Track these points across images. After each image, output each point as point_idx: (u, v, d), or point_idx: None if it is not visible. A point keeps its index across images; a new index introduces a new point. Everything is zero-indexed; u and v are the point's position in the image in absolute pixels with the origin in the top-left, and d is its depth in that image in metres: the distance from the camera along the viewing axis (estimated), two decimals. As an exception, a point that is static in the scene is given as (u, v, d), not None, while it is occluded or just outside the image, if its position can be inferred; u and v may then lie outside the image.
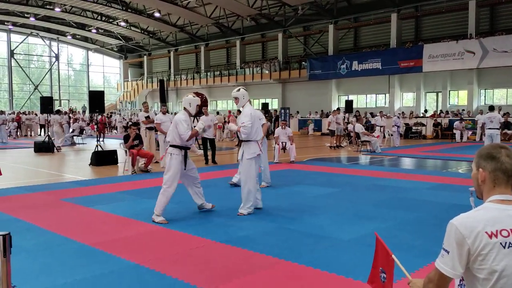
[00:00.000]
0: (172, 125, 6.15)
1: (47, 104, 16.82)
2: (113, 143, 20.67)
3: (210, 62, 40.74)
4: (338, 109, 20.60)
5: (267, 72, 34.06)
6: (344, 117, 20.83)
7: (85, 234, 5.26)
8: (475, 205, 1.84)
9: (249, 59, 37.50)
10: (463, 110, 24.77)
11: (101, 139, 21.60)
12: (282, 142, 12.58)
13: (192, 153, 13.77)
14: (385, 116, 20.00)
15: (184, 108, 6.19)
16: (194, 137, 6.22)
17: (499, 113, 21.61)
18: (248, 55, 37.75)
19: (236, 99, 6.40)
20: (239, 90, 6.44)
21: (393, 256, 2.10)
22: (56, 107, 39.01)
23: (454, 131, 21.72)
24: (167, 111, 12.41)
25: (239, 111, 7.05)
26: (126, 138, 10.86)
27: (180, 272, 4.00)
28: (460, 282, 1.84)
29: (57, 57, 45.17)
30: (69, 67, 48.19)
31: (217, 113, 30.39)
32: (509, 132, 21.01)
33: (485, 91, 25.66)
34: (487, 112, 12.81)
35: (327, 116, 25.41)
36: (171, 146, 6.07)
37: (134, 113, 35.56)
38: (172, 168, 5.99)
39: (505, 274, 1.63)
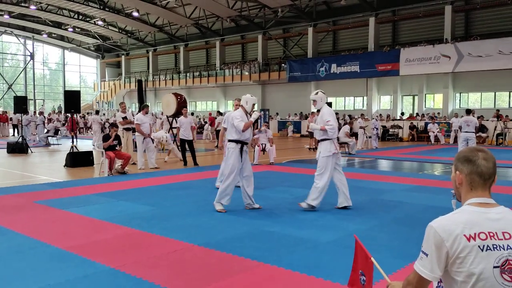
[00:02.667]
0: (228, 122, 6.86)
1: (21, 103, 16.43)
2: (89, 144, 20.32)
3: (189, 63, 40.49)
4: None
5: (247, 73, 34.05)
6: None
7: (59, 238, 5.12)
8: (456, 207, 1.85)
9: (229, 60, 37.43)
10: (439, 113, 25.23)
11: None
12: (262, 144, 12.58)
13: (175, 157, 13.61)
14: (364, 119, 20.30)
15: (241, 106, 6.80)
16: (250, 128, 6.70)
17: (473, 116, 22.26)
18: (228, 57, 37.68)
19: (315, 101, 6.78)
20: (317, 93, 6.80)
21: (372, 259, 2.09)
22: (31, 107, 38.19)
23: (429, 133, 22.11)
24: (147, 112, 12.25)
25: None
26: (106, 138, 10.69)
27: (157, 276, 3.92)
28: (438, 285, 1.84)
29: (32, 56, 44.21)
30: (44, 66, 47.22)
31: (192, 114, 30.12)
32: (483, 135, 21.49)
33: (460, 95, 26.20)
34: (462, 116, 13.02)
35: (307, 118, 25.56)
36: (229, 141, 6.65)
37: (104, 114, 35.06)
38: (230, 160, 6.52)
39: (482, 277, 1.64)
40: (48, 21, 39.42)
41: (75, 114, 14.43)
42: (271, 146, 12.65)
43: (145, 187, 8.88)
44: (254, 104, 6.81)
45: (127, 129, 12.19)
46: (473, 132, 12.43)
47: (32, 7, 34.58)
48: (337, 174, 6.69)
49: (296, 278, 3.89)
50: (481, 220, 1.71)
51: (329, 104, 21.25)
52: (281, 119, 31.07)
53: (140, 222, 5.88)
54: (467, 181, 1.80)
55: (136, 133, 11.77)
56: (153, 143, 12.53)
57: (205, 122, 28.46)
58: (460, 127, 12.84)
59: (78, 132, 25.08)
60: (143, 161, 11.66)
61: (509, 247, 1.67)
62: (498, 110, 22.17)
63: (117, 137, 10.83)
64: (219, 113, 23.65)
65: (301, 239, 5.11)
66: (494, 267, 1.65)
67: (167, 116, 16.31)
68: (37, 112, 26.57)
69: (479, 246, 1.66)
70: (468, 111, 13.04)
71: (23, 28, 41.87)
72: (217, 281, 3.82)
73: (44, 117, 24.47)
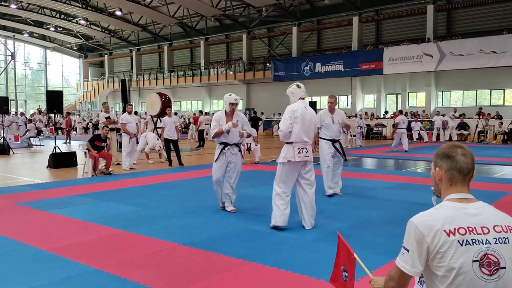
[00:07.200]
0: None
1: (2, 104, 16.16)
2: (72, 144, 20.10)
3: (173, 62, 40.26)
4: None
5: (231, 73, 34.00)
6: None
7: (41, 239, 5.06)
8: (436, 203, 1.88)
9: (214, 59, 37.31)
10: (423, 111, 25.53)
11: (67, 141, 21.02)
12: (247, 143, 12.58)
13: (159, 157, 13.46)
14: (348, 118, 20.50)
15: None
16: (225, 134, 6.44)
17: (454, 112, 22.76)
18: (213, 56, 37.57)
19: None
20: (290, 87, 5.80)
21: (354, 254, 2.12)
22: (13, 108, 37.55)
23: (413, 131, 22.38)
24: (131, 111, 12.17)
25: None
26: (95, 138, 10.58)
27: (142, 276, 3.91)
28: (420, 279, 1.87)
29: (13, 55, 43.43)
30: (26, 66, 46.46)
31: (175, 113, 30.02)
32: (465, 132, 21.85)
33: (442, 93, 26.54)
34: (399, 115, 17.27)
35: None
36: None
37: (81, 114, 34.62)
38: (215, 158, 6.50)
39: (462, 271, 1.67)
40: (30, 21, 38.80)
41: (57, 115, 14.24)
42: (256, 145, 12.67)
43: (130, 187, 8.81)
44: (230, 103, 6.51)
45: (111, 129, 12.08)
46: (406, 128, 16.50)
47: (13, 6, 33.99)
48: (299, 189, 5.55)
49: (281, 276, 3.91)
50: (461, 215, 1.74)
51: (314, 103, 21.40)
52: (266, 118, 31.11)
53: (125, 222, 5.84)
54: (446, 177, 1.83)
55: (122, 133, 11.68)
56: (137, 143, 12.44)
57: (190, 122, 28.37)
58: (397, 124, 16.27)
59: (60, 132, 24.78)
60: (129, 160, 11.56)
61: (487, 242, 1.70)
62: (481, 108, 22.53)
63: (105, 139, 10.76)
64: (204, 113, 23.59)
65: (286, 237, 5.13)
66: (473, 261, 1.68)
67: (151, 116, 16.22)
68: (18, 113, 26.15)
69: (458, 241, 1.69)
70: (401, 112, 18.04)
71: (4, 28, 41.13)
72: (203, 280, 3.81)
73: (26, 117, 24.11)
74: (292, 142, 5.40)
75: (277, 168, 5.53)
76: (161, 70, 40.38)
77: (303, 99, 5.67)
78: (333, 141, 7.59)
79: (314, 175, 5.63)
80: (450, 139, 21.52)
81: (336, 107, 7.87)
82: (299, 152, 5.33)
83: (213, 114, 31.68)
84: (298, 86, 5.70)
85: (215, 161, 6.48)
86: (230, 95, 6.62)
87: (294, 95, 5.65)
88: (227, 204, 6.58)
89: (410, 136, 22.62)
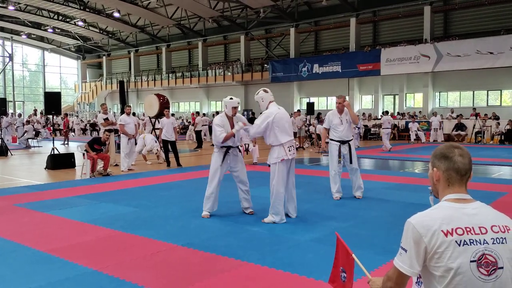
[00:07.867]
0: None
1: (0, 106, 16.14)
2: (70, 145, 20.07)
3: (171, 64, 40.24)
4: (299, 110, 20.93)
5: (229, 74, 34.00)
6: (306, 119, 21.10)
7: (40, 241, 5.06)
8: (434, 203, 1.88)
9: (212, 61, 37.31)
10: (420, 112, 25.58)
11: (65, 143, 21.06)
12: (245, 144, 12.59)
13: (157, 158, 13.48)
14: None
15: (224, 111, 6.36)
16: (232, 138, 6.19)
17: (452, 113, 22.81)
18: (211, 57, 37.56)
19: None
20: (258, 93, 6.03)
21: (353, 255, 2.12)
22: (10, 109, 37.45)
23: (410, 132, 22.44)
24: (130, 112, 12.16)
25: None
26: (95, 141, 10.56)
27: (141, 277, 3.91)
28: (417, 280, 1.88)
29: (11, 57, 43.28)
30: (24, 68, 46.36)
31: (173, 115, 30.02)
32: (462, 133, 21.90)
33: (439, 94, 26.60)
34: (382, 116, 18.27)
35: (290, 117, 25.60)
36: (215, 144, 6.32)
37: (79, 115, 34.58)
38: (211, 165, 6.23)
39: (460, 271, 1.67)
40: (27, 22, 38.74)
41: (55, 116, 14.22)
42: (254, 146, 12.67)
43: (128, 188, 8.81)
44: (232, 107, 6.23)
45: (109, 131, 12.07)
46: (389, 128, 17.35)
47: (11, 7, 33.93)
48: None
49: (279, 276, 3.92)
50: (458, 216, 1.74)
51: (312, 104, 21.43)
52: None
53: (123, 223, 5.84)
54: (444, 177, 1.84)
55: (121, 135, 11.68)
56: (135, 144, 12.43)
57: (189, 123, 28.36)
58: (380, 125, 17.16)
59: (59, 133, 24.74)
60: (127, 161, 11.55)
61: (485, 242, 1.70)
62: (474, 109, 22.56)
63: (104, 143, 10.75)
64: (202, 114, 23.59)
65: (284, 237, 5.14)
66: (471, 261, 1.68)
67: (149, 117, 16.22)
68: (16, 114, 26.11)
69: (456, 241, 1.69)
70: (386, 112, 19.18)
71: (1, 29, 41.07)
72: (201, 281, 3.82)
73: (24, 118, 24.08)
74: (281, 144, 5.82)
75: (272, 169, 5.88)
76: (159, 71, 40.34)
77: (273, 102, 5.92)
78: (342, 142, 7.51)
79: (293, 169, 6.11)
80: (447, 139, 21.59)
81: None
82: (289, 151, 5.83)
83: (212, 115, 31.77)
84: (266, 91, 5.96)
85: (221, 165, 6.13)
86: (232, 98, 6.31)
87: (264, 100, 5.92)
88: (246, 206, 6.46)
89: (408, 137, 22.72)
